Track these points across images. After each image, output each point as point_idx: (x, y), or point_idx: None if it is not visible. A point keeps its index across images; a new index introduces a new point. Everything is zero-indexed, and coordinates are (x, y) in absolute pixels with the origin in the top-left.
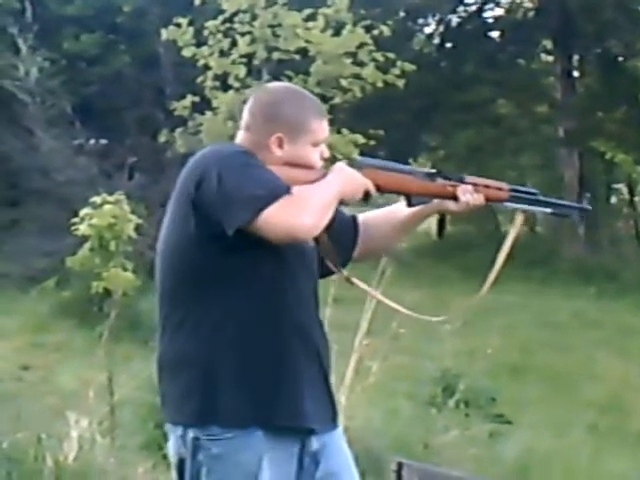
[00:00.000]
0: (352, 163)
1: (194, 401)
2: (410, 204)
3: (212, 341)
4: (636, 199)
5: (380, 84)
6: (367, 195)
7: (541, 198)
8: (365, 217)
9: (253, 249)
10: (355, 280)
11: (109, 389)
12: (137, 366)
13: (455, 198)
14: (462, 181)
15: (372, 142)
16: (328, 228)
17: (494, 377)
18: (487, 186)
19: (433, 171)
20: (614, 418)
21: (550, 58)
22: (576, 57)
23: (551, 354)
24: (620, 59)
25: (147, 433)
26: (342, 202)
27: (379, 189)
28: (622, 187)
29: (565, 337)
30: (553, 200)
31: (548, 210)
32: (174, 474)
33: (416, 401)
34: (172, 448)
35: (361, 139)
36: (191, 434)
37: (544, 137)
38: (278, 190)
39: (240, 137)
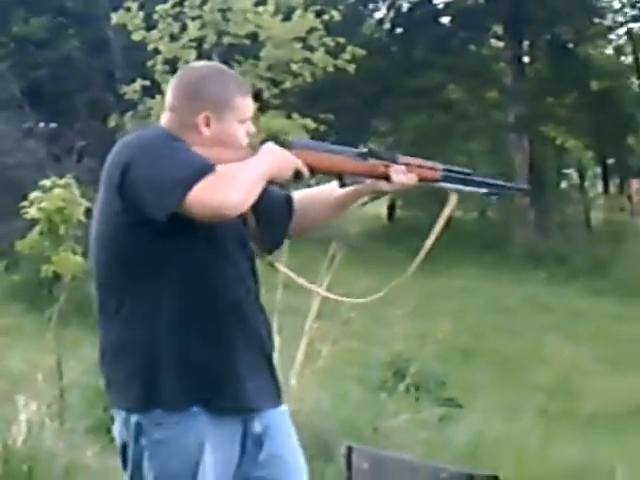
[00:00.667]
0: (282, 143)
1: (136, 386)
2: (343, 184)
3: (149, 327)
4: (586, 184)
5: (330, 69)
6: (298, 175)
7: (475, 178)
8: (299, 195)
9: (184, 232)
10: (279, 265)
11: (58, 373)
12: (86, 350)
13: (388, 178)
14: (395, 161)
15: (322, 127)
16: (256, 208)
17: (445, 361)
18: (420, 166)
19: (365, 151)
20: (563, 402)
21: (500, 44)
22: (526, 43)
23: (501, 338)
24: (570, 45)
25: (95, 417)
26: (272, 181)
27: (311, 170)
28: (572, 172)
29: (515, 321)
30: (488, 180)
31: (483, 190)
32: (119, 458)
33: (366, 385)
34: (116, 432)
35: (311, 124)
36: (134, 419)
37: (494, 122)
38: (203, 169)
39: (165, 118)
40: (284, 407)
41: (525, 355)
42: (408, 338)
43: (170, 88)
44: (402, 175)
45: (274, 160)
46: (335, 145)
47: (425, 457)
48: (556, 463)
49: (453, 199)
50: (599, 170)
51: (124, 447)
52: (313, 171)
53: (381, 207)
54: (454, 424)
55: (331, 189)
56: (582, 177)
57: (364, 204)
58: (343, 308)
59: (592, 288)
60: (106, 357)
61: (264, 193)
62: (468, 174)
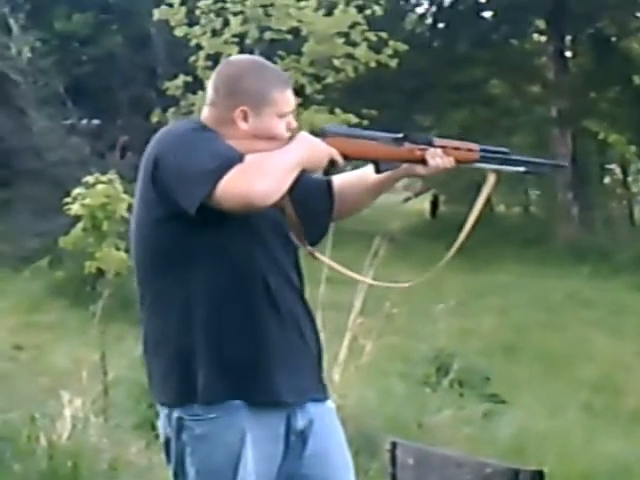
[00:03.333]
0: (317, 132)
1: (173, 381)
2: (378, 170)
3: (184, 320)
4: (629, 179)
5: (373, 64)
6: (333, 163)
7: (513, 157)
8: (337, 180)
9: (218, 224)
10: (319, 255)
11: (102, 368)
12: (129, 345)
13: (424, 162)
14: (431, 144)
15: (365, 122)
16: (293, 198)
17: (488, 357)
18: (457, 148)
19: (400, 135)
20: (608, 398)
21: (543, 38)
22: (569, 37)
23: (545, 334)
24: (613, 39)
25: (140, 412)
26: (305, 171)
27: (346, 157)
28: (615, 167)
29: (559, 317)
30: (525, 158)
31: (521, 169)
32: (163, 453)
33: (410, 381)
34: (160, 427)
35: (354, 119)
36: (176, 414)
37: (537, 117)
38: (231, 160)
39: (205, 113)
40: (330, 403)
41: (569, 351)
42: (451, 334)
43: (210, 82)
44: (439, 158)
45: (307, 149)
46: (369, 130)
47: (469, 453)
48: (601, 459)
49: (491, 179)
50: None
51: (167, 442)
52: (347, 158)
53: (424, 203)
54: (498, 420)
55: (366, 174)
56: (625, 172)
57: (406, 200)
58: (386, 303)
59: (636, 283)
60: (147, 350)
61: (299, 181)
62: (505, 153)
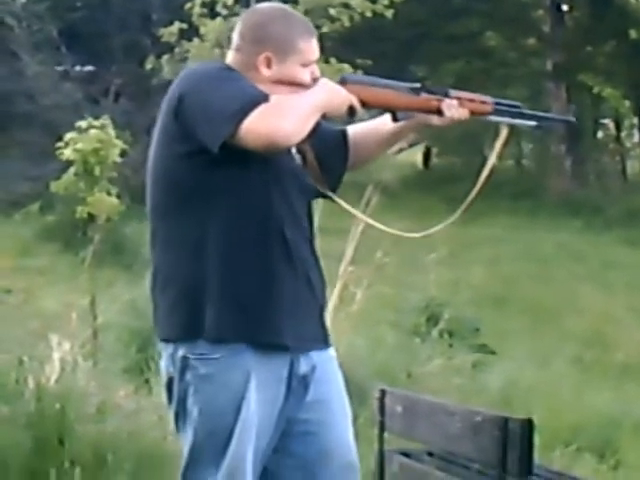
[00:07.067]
0: (337, 79)
1: (180, 316)
2: (395, 119)
3: (198, 256)
4: (622, 134)
5: (369, 14)
6: (352, 110)
7: (525, 111)
8: (352, 130)
9: (238, 163)
10: (338, 200)
11: (92, 313)
12: (119, 290)
13: (439, 112)
14: (447, 95)
15: (360, 72)
16: (313, 145)
17: (478, 308)
18: (471, 100)
19: (417, 85)
20: (597, 351)
21: None
22: None
23: (536, 286)
24: None
25: (129, 357)
26: (325, 116)
27: (364, 104)
28: (609, 122)
29: (550, 270)
30: (537, 113)
31: (532, 123)
32: (164, 393)
33: (400, 330)
34: (163, 367)
35: (349, 69)
36: (180, 352)
37: (532, 70)
38: (256, 99)
39: (230, 58)
40: (332, 352)
41: (559, 303)
42: (442, 284)
43: (235, 29)
44: (454, 109)
45: (329, 93)
46: (386, 80)
47: (458, 403)
48: (589, 411)
49: (504, 132)
50: (636, 120)
51: (170, 382)
52: (366, 106)
53: (417, 154)
54: (487, 370)
55: (382, 123)
56: (619, 127)
57: (399, 151)
58: (378, 253)
59: (627, 238)
60: (156, 282)
61: (318, 129)
62: (518, 107)
